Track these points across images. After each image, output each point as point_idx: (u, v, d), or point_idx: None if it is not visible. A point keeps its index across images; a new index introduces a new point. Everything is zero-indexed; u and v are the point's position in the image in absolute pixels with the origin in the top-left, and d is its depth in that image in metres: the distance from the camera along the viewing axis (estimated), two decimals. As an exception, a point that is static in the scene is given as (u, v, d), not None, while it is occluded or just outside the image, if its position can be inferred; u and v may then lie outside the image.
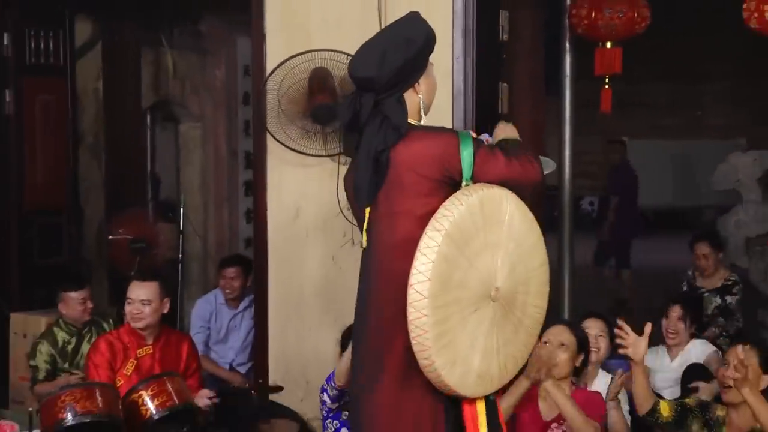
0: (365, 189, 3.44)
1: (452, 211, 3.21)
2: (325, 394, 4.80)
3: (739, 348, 4.26)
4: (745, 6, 6.03)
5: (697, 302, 6.32)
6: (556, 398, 4.40)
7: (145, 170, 8.51)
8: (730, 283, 6.70)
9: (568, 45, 7.35)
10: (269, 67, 5.62)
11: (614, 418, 4.58)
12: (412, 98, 3.48)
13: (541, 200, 6.08)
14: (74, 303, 6.13)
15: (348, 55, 5.31)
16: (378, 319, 3.39)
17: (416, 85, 3.48)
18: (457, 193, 3.28)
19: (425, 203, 3.28)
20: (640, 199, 14.35)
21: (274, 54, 5.65)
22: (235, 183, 8.48)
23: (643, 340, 4.31)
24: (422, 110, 3.51)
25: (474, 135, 3.49)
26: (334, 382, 4.70)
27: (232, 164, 8.49)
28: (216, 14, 8.16)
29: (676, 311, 5.75)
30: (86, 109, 8.07)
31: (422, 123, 3.50)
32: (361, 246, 3.48)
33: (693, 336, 5.83)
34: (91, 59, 8.13)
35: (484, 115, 5.25)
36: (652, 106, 13.00)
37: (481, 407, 3.42)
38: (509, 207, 3.38)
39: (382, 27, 5.30)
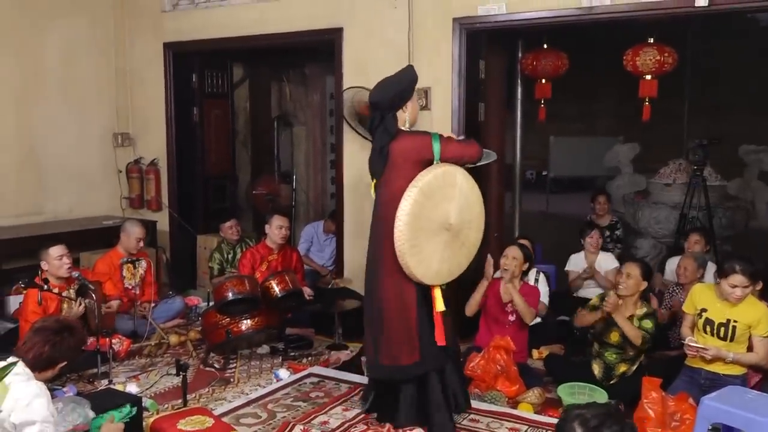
0: (376, 167, 3.59)
1: (425, 176, 3.37)
2: None
3: (626, 264, 4.26)
4: (624, 56, 5.98)
5: (603, 228, 6.23)
6: (511, 293, 4.38)
7: (273, 154, 8.45)
8: (614, 222, 6.58)
9: (519, 80, 7.28)
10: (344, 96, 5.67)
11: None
12: (401, 115, 3.57)
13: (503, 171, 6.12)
14: (227, 229, 6.22)
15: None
16: (379, 239, 3.56)
17: (404, 107, 3.57)
18: (429, 167, 3.42)
19: (409, 175, 3.40)
20: (562, 170, 14.37)
21: (347, 85, 5.68)
22: (325, 161, 8.39)
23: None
24: (407, 122, 3.59)
25: (442, 135, 3.57)
26: None
27: (323, 150, 8.41)
28: (314, 63, 8.07)
29: (596, 234, 5.68)
30: (239, 119, 8.03)
31: (407, 129, 3.58)
32: (373, 197, 3.63)
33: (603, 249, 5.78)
34: (242, 89, 8.09)
35: (469, 123, 5.27)
36: (568, 117, 12.85)
37: (438, 290, 3.55)
38: (459, 176, 3.49)
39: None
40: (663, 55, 5.83)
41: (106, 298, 5.16)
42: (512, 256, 4.49)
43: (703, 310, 3.87)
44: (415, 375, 3.57)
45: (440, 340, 3.53)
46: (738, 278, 3.69)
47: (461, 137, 3.80)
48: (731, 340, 3.77)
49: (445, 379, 3.62)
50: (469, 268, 3.80)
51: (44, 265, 4.64)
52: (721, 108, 11.18)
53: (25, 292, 4.67)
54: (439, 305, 3.53)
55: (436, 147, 3.44)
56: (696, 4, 4.38)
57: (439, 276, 3.53)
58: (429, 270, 3.46)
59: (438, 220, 3.44)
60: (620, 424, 1.88)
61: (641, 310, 4.10)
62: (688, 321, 4.01)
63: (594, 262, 5.63)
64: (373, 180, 3.61)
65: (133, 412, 3.42)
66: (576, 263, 5.71)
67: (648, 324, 4.04)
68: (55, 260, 4.59)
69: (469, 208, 3.54)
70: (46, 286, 4.52)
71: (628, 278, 4.09)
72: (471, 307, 4.53)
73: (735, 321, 3.75)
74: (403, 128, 3.57)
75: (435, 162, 3.45)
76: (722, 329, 3.78)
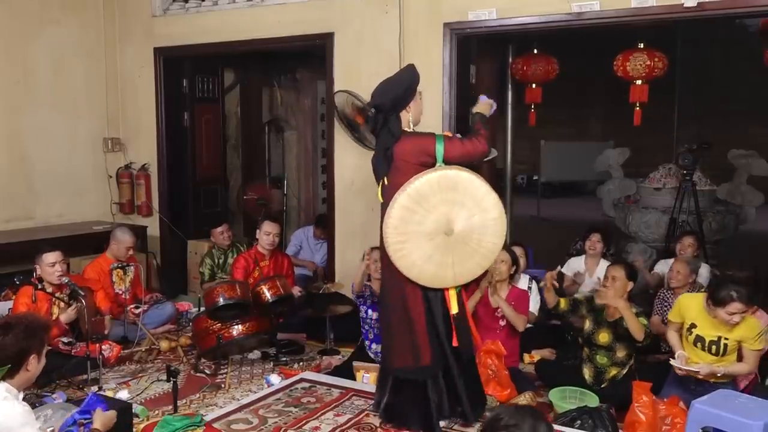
0: (380, 169, 3.51)
1: (414, 181, 3.31)
2: (353, 294, 4.91)
3: (610, 267, 4.22)
4: (615, 62, 6.01)
5: (609, 231, 5.96)
6: (498, 303, 4.39)
7: (264, 159, 8.46)
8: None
9: (510, 85, 7.32)
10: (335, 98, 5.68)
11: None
12: (405, 116, 3.47)
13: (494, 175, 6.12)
14: (218, 235, 6.21)
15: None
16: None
17: (408, 107, 3.48)
18: (425, 171, 3.34)
19: (411, 177, 3.33)
20: (552, 175, 14.36)
21: (338, 89, 5.67)
22: (316, 166, 8.39)
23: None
24: (411, 123, 3.50)
25: (448, 134, 3.52)
26: (353, 289, 4.80)
27: (314, 155, 8.41)
28: (306, 68, 8.07)
29: (596, 236, 5.50)
30: (230, 124, 8.02)
31: (412, 130, 3.50)
32: (380, 201, 3.52)
33: (603, 256, 5.51)
34: (233, 94, 8.09)
35: (459, 128, 5.22)
36: (559, 121, 12.91)
37: (452, 292, 3.48)
38: (466, 180, 3.36)
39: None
40: (653, 60, 5.87)
41: (98, 310, 5.15)
42: (500, 259, 4.47)
43: (693, 325, 3.82)
44: (425, 378, 3.52)
45: (455, 341, 3.49)
46: (736, 306, 3.61)
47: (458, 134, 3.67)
48: (723, 355, 3.74)
49: (449, 382, 3.55)
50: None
51: (38, 269, 4.61)
52: (710, 112, 11.26)
53: (15, 296, 4.63)
54: (453, 307, 3.47)
55: (440, 148, 3.35)
56: (685, 5, 4.40)
57: (440, 280, 3.44)
58: (422, 273, 3.40)
59: (432, 225, 3.36)
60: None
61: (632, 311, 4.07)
62: (674, 327, 3.98)
63: (593, 267, 5.49)
64: (378, 183, 3.53)
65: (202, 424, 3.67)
66: (575, 268, 5.61)
67: (644, 321, 4.02)
68: (47, 266, 4.56)
69: (480, 213, 3.40)
70: (40, 285, 4.49)
71: (614, 281, 4.07)
72: None
73: (726, 338, 3.72)
74: (407, 129, 3.50)
75: (437, 164, 3.36)
76: (714, 346, 3.75)
